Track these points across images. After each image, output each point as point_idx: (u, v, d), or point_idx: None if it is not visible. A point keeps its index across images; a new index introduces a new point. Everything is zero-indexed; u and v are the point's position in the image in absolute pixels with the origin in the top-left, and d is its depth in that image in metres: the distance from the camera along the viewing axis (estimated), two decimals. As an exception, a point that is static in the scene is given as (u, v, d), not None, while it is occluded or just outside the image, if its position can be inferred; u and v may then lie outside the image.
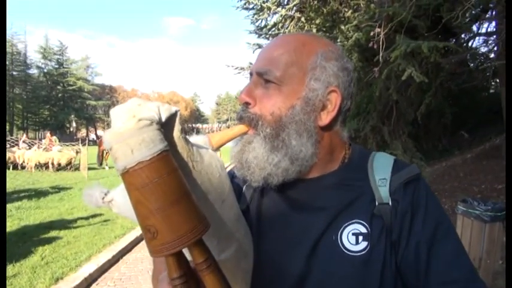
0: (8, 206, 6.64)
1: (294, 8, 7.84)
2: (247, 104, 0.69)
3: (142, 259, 4.69)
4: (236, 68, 9.22)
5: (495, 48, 6.60)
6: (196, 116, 77.82)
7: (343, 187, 0.69)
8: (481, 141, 9.37)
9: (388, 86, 5.40)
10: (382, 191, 0.67)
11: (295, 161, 0.66)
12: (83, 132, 53.88)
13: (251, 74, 0.72)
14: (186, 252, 0.50)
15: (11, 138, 16.82)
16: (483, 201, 3.10)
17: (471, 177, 6.69)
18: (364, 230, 0.65)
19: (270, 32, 8.67)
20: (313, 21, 7.21)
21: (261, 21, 8.79)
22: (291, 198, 0.71)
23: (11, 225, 5.49)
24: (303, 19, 7.50)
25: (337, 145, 0.73)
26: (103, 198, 0.64)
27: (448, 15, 4.41)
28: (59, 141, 16.47)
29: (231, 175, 0.75)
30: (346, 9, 6.96)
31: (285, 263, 0.67)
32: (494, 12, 6.02)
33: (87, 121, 53.89)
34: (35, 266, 3.95)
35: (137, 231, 5.49)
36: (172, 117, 0.51)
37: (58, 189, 9.16)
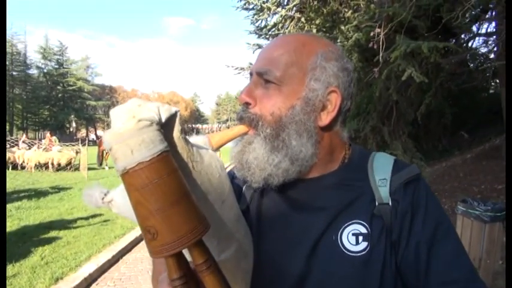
0: (8, 206, 6.64)
1: (294, 8, 7.84)
2: (247, 104, 0.69)
3: (142, 259, 4.69)
4: (236, 68, 9.22)
5: (495, 49, 6.60)
6: (196, 117, 77.83)
7: (343, 187, 0.69)
8: (480, 142, 9.37)
9: (388, 86, 5.40)
10: (382, 191, 0.67)
11: (295, 162, 0.66)
12: (82, 133, 53.88)
13: (251, 74, 0.72)
14: (186, 252, 0.50)
15: (11, 139, 16.81)
16: (483, 202, 3.11)
17: (471, 177, 6.69)
18: (364, 230, 0.65)
19: (270, 33, 8.67)
20: (313, 22, 7.20)
21: (261, 22, 8.79)
22: (291, 198, 0.71)
23: (11, 225, 5.49)
24: (303, 19, 7.50)
25: (337, 145, 0.73)
26: (103, 198, 0.64)
27: (448, 16, 4.41)
28: (59, 141, 16.48)
29: (231, 175, 0.75)
30: (346, 10, 6.96)
31: (285, 263, 0.67)
32: (494, 13, 6.02)
33: (87, 121, 53.88)
34: (35, 266, 3.95)
35: (137, 232, 5.49)
36: (172, 118, 0.51)
37: (58, 189, 9.16)
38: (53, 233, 5.22)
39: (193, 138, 0.61)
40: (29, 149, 13.96)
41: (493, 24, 6.57)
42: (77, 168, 13.59)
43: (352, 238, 0.64)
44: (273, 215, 0.72)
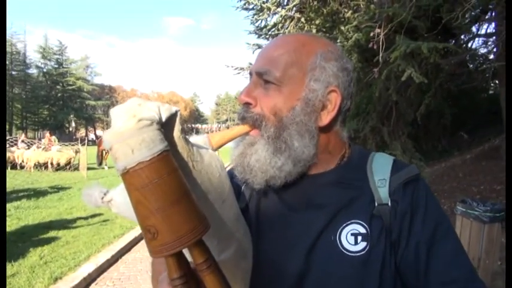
0: (7, 205, 6.63)
1: (294, 8, 7.83)
2: (248, 104, 0.69)
3: (141, 259, 4.69)
4: (236, 68, 9.22)
5: (494, 50, 6.60)
6: (196, 116, 77.82)
7: (342, 185, 0.69)
8: (480, 142, 9.39)
9: (388, 87, 5.40)
10: (382, 192, 0.67)
11: (297, 163, 0.66)
12: (82, 132, 53.79)
13: (251, 74, 0.72)
14: (186, 252, 0.50)
15: (10, 138, 16.78)
16: (482, 202, 3.11)
17: (470, 177, 6.70)
18: (363, 231, 0.65)
19: (269, 33, 8.66)
20: (313, 22, 7.20)
21: (261, 22, 8.78)
22: (290, 197, 0.71)
23: (10, 224, 5.49)
24: (302, 19, 7.50)
25: (337, 145, 0.73)
26: (102, 198, 0.63)
27: (448, 16, 4.41)
28: (58, 141, 16.49)
29: (230, 174, 0.75)
30: (346, 10, 6.96)
31: (284, 262, 0.67)
32: (493, 14, 6.02)
33: (87, 121, 53.84)
34: (34, 265, 3.94)
35: (136, 231, 5.49)
36: (172, 117, 0.51)
37: (57, 189, 9.15)
38: (52, 233, 5.22)
39: (193, 138, 0.61)
40: (28, 148, 13.94)
41: (493, 25, 6.57)
42: (76, 168, 13.58)
43: (351, 238, 0.64)
44: (272, 214, 0.72)
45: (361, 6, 6.45)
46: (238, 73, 9.27)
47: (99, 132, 56.00)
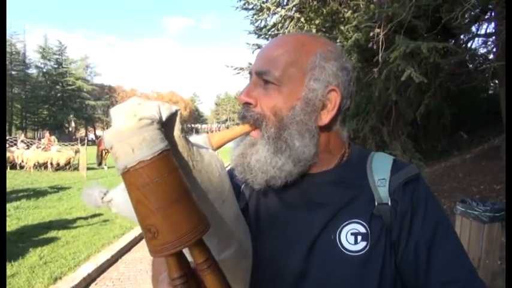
0: (7, 205, 6.62)
1: (294, 8, 7.83)
2: (248, 104, 0.69)
3: (141, 259, 4.69)
4: (235, 68, 9.22)
5: (494, 49, 6.61)
6: (196, 116, 77.84)
7: (342, 184, 0.69)
8: (480, 142, 9.39)
9: (388, 87, 5.41)
10: (382, 191, 0.67)
11: (298, 163, 0.66)
12: (81, 132, 53.77)
13: (250, 73, 0.72)
14: (186, 252, 0.50)
15: (10, 138, 16.76)
16: (482, 202, 3.11)
17: (470, 177, 6.70)
18: (363, 230, 0.65)
19: (269, 33, 8.66)
20: (312, 22, 7.21)
21: (261, 22, 8.78)
22: (290, 196, 0.71)
23: (10, 224, 5.48)
24: (302, 19, 7.50)
25: (337, 144, 0.73)
26: (102, 198, 0.63)
27: (448, 16, 4.42)
28: (58, 141, 16.47)
29: (230, 174, 0.75)
30: (346, 10, 6.96)
31: (284, 261, 0.67)
32: (493, 13, 6.03)
33: (86, 121, 53.83)
34: (34, 265, 3.94)
35: (136, 231, 5.49)
36: (172, 117, 0.51)
37: (57, 189, 9.15)
38: (51, 233, 5.21)
39: (193, 138, 0.61)
40: (28, 148, 13.93)
41: (492, 24, 6.57)
42: (76, 168, 13.58)
43: (350, 238, 0.64)
44: (271, 212, 0.72)
45: (361, 6, 6.46)
46: (238, 73, 9.28)
47: (98, 132, 55.99)
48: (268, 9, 8.02)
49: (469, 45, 7.02)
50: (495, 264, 3.05)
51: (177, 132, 0.52)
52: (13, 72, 43.08)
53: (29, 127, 46.86)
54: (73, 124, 50.49)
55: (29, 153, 13.00)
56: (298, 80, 0.67)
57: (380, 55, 4.50)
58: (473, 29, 6.64)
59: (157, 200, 0.44)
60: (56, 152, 13.61)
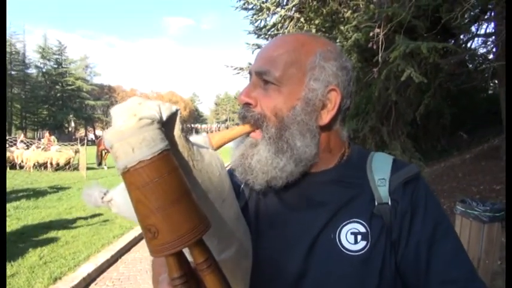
0: (7, 205, 6.62)
1: (293, 8, 7.84)
2: (248, 104, 0.68)
3: (140, 259, 4.69)
4: (235, 68, 9.23)
5: (494, 49, 6.61)
6: (195, 116, 77.85)
7: (342, 184, 0.69)
8: (479, 142, 9.39)
9: (387, 87, 5.41)
10: (382, 191, 0.67)
11: (299, 163, 0.66)
12: (81, 132, 53.79)
13: (250, 73, 0.72)
14: (186, 252, 0.50)
15: (9, 138, 16.75)
16: (482, 202, 3.11)
17: (470, 177, 6.70)
18: (363, 230, 0.64)
19: (269, 33, 8.67)
20: (312, 22, 7.21)
21: (260, 22, 8.79)
22: (289, 195, 0.71)
23: (10, 224, 5.48)
24: (302, 19, 7.50)
25: (337, 144, 0.73)
26: (102, 197, 0.63)
27: (447, 16, 4.43)
28: (58, 141, 16.46)
29: (230, 174, 0.75)
30: (346, 10, 6.97)
31: (284, 261, 0.67)
32: (493, 13, 6.03)
33: (86, 121, 53.84)
34: (33, 265, 3.94)
35: (136, 231, 5.49)
36: (173, 116, 0.51)
37: (56, 189, 9.14)
38: (51, 233, 5.21)
39: (194, 138, 0.61)
40: (28, 148, 13.93)
41: (492, 24, 6.58)
42: (76, 168, 13.57)
43: (350, 237, 0.64)
44: (271, 212, 0.72)
45: (361, 6, 6.46)
46: (238, 73, 9.29)
47: (98, 132, 56.01)
48: (268, 9, 8.02)
49: (468, 45, 7.04)
50: (495, 264, 3.05)
51: (177, 132, 0.52)
52: (13, 72, 43.11)
53: (29, 127, 46.87)
54: (73, 124, 50.46)
55: (29, 153, 13.00)
56: (298, 80, 0.67)
57: (380, 55, 4.51)
58: (473, 29, 6.65)
59: (158, 199, 0.44)
60: (56, 152, 13.61)
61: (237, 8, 8.62)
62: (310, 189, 0.70)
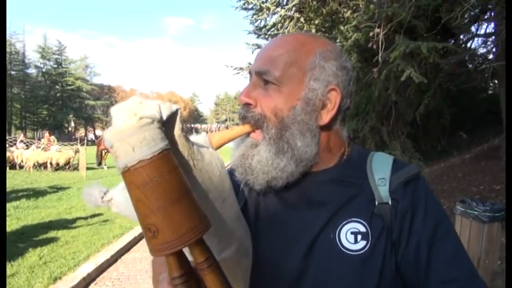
0: (7, 205, 6.62)
1: (293, 8, 7.84)
2: (248, 104, 0.68)
3: (140, 259, 4.69)
4: (235, 68, 9.23)
5: (494, 49, 6.61)
6: (195, 116, 77.86)
7: (342, 183, 0.69)
8: (479, 142, 9.39)
9: (387, 87, 5.41)
10: (382, 191, 0.67)
11: (300, 163, 0.66)
12: (81, 132, 53.79)
13: (250, 73, 0.72)
14: (186, 251, 0.50)
15: (9, 138, 16.74)
16: (482, 202, 3.11)
17: (470, 177, 6.70)
18: (363, 229, 0.64)
19: (269, 32, 8.67)
20: (312, 22, 7.21)
21: (260, 22, 8.79)
22: (289, 195, 0.71)
23: (10, 224, 5.48)
24: (302, 19, 7.50)
25: (337, 144, 0.73)
26: (102, 197, 0.63)
27: (447, 16, 4.43)
28: (58, 141, 16.46)
29: (230, 173, 0.75)
30: (346, 10, 6.97)
31: (284, 260, 0.67)
32: (493, 13, 6.03)
33: (86, 121, 53.83)
34: (33, 265, 3.94)
35: (136, 231, 5.49)
36: (173, 116, 0.51)
37: (56, 189, 9.14)
38: (51, 233, 5.21)
39: (194, 137, 0.61)
40: (27, 148, 13.93)
41: (492, 24, 6.59)
42: (76, 168, 13.57)
43: (350, 237, 0.64)
44: (271, 212, 0.72)
45: (361, 6, 6.46)
46: (238, 73, 9.29)
47: (98, 132, 56.02)
48: (268, 9, 8.02)
49: (468, 45, 7.04)
50: (495, 264, 3.05)
51: (177, 131, 0.52)
52: (12, 72, 43.08)
53: (29, 127, 46.85)
54: (72, 124, 50.44)
55: (29, 153, 13.00)
56: (298, 79, 0.67)
57: (380, 55, 4.51)
58: (473, 29, 6.65)
59: (158, 199, 0.44)
60: (56, 152, 13.61)
61: (237, 8, 8.63)
62: (310, 188, 0.70)
